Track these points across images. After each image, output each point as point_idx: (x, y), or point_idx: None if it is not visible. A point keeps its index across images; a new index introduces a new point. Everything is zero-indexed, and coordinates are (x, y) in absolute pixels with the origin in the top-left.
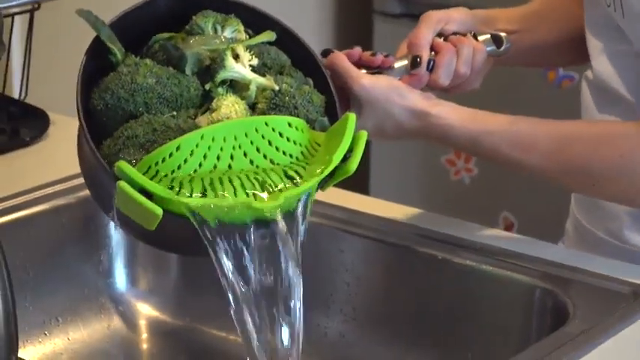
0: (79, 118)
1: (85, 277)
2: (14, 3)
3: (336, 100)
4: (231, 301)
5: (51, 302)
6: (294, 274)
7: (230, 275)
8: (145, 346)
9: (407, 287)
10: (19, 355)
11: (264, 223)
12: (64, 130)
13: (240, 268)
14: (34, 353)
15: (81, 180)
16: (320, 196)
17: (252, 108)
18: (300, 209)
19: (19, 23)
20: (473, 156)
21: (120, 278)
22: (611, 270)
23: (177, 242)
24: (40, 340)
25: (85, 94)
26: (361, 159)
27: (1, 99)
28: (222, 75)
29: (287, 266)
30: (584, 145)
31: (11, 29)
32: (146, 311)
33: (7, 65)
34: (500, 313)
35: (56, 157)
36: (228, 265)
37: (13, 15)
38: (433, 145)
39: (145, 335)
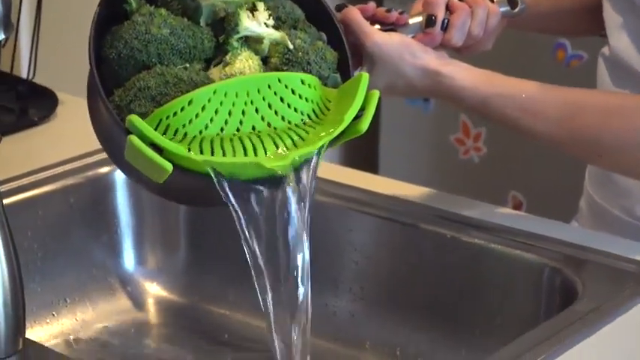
0: (92, 67)
1: (93, 257)
2: None
3: (349, 56)
4: (248, 256)
5: (59, 282)
6: (301, 229)
7: (245, 227)
8: (153, 325)
9: (415, 266)
10: (27, 335)
11: (276, 179)
12: (73, 110)
13: (253, 222)
14: (42, 334)
15: (89, 160)
16: (329, 174)
17: (265, 62)
18: (311, 166)
19: (28, 3)
20: (483, 117)
21: (128, 258)
22: (620, 248)
23: (186, 194)
24: (48, 320)
25: (98, 42)
26: (372, 120)
27: (9, 79)
28: (236, 35)
29: (296, 222)
30: (595, 115)
31: (19, 9)
32: (154, 291)
33: (15, 45)
34: (508, 292)
35: (64, 137)
36: (242, 218)
37: None
38: (442, 124)
39: (153, 315)
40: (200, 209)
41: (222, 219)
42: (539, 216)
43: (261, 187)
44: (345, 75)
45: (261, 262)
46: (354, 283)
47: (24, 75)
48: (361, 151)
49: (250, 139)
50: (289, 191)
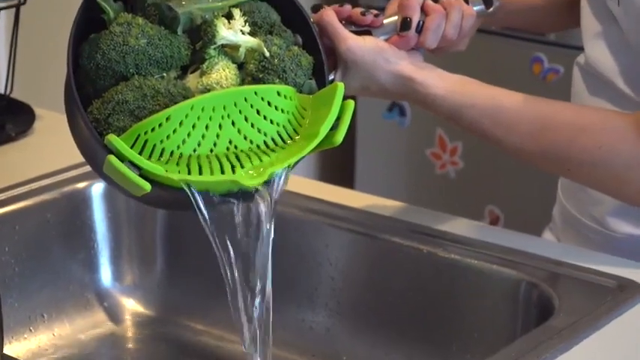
0: (70, 78)
1: (70, 273)
2: None
3: (325, 60)
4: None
5: (36, 298)
6: (267, 233)
7: (215, 235)
8: (130, 341)
9: (392, 281)
10: (5, 351)
11: (249, 192)
12: (50, 125)
13: (225, 232)
14: (19, 349)
15: (66, 175)
16: (305, 190)
17: (241, 66)
18: (281, 177)
19: (5, 18)
20: (455, 125)
21: (105, 274)
22: (597, 263)
23: (165, 203)
24: (26, 336)
25: (76, 49)
26: (347, 135)
27: None
28: (213, 46)
29: (263, 225)
30: (565, 132)
31: None
32: (131, 306)
33: None
34: (485, 307)
35: (42, 153)
36: (212, 228)
37: None
38: (418, 138)
39: (130, 330)
40: (176, 225)
41: (199, 235)
42: (516, 230)
43: (235, 200)
44: (321, 78)
45: (234, 271)
46: (330, 298)
47: (1, 90)
48: (337, 166)
49: (226, 155)
50: (260, 202)
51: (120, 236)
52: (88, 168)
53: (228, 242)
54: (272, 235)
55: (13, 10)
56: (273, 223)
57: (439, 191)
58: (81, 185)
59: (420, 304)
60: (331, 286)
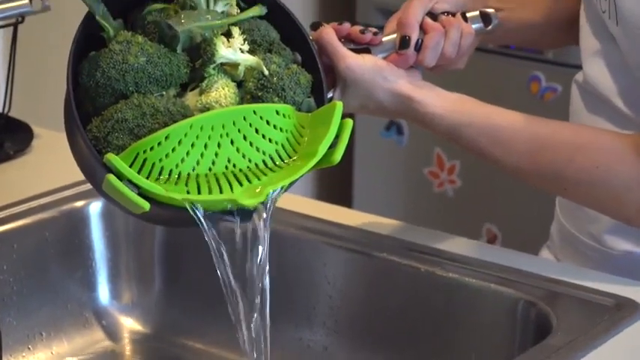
0: (71, 101)
1: (68, 292)
2: None
3: (323, 78)
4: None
5: (34, 317)
6: (263, 247)
7: (216, 250)
8: (128, 359)
9: (390, 300)
10: None
11: (247, 210)
12: (48, 143)
13: (225, 248)
14: None
15: (64, 194)
16: (303, 208)
17: (240, 85)
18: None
19: (3, 37)
20: (453, 144)
21: (103, 292)
22: (594, 282)
23: (163, 220)
24: (24, 354)
25: (76, 66)
26: (345, 153)
27: None
28: (212, 65)
29: (258, 241)
30: (562, 152)
31: None
32: (129, 325)
33: None
34: (483, 326)
35: (40, 171)
36: (217, 240)
37: None
38: (416, 157)
39: (128, 349)
40: (174, 244)
41: (197, 254)
42: (514, 248)
43: (233, 219)
44: (319, 96)
45: (233, 286)
46: (328, 316)
47: None
48: (335, 184)
49: (225, 174)
50: (257, 220)
51: (118, 255)
52: (86, 186)
53: (226, 257)
54: (267, 249)
55: (11, 28)
56: (268, 236)
57: (437, 210)
58: (79, 204)
59: (417, 322)
60: (329, 304)
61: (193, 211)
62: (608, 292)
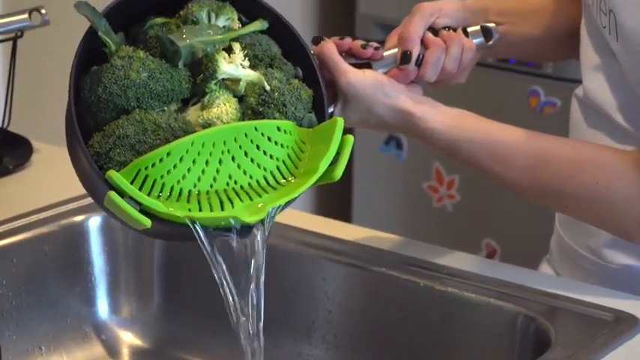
0: (72, 117)
1: (67, 306)
2: None
3: (324, 93)
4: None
5: (34, 331)
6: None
7: (217, 264)
8: None
9: (389, 315)
10: None
11: (247, 226)
12: (47, 158)
13: (225, 259)
14: None
15: (63, 208)
16: (302, 223)
17: (241, 99)
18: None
19: (2, 51)
20: (454, 159)
21: (102, 307)
22: (593, 296)
23: (164, 235)
24: None
25: (77, 80)
26: (345, 168)
27: None
28: (214, 80)
29: (257, 255)
30: (561, 168)
31: None
32: (128, 339)
33: None
34: (482, 340)
35: (39, 186)
36: (216, 257)
37: None
38: (415, 171)
39: None
40: (174, 258)
41: (196, 269)
42: (513, 263)
43: (233, 235)
44: (320, 110)
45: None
46: (327, 331)
47: None
48: (334, 199)
49: (226, 190)
50: (258, 235)
51: (117, 269)
52: (85, 201)
53: (227, 272)
54: (264, 263)
55: (10, 43)
56: (265, 250)
57: (436, 224)
58: (78, 218)
59: (416, 337)
60: (328, 319)
61: (194, 228)
62: (607, 307)
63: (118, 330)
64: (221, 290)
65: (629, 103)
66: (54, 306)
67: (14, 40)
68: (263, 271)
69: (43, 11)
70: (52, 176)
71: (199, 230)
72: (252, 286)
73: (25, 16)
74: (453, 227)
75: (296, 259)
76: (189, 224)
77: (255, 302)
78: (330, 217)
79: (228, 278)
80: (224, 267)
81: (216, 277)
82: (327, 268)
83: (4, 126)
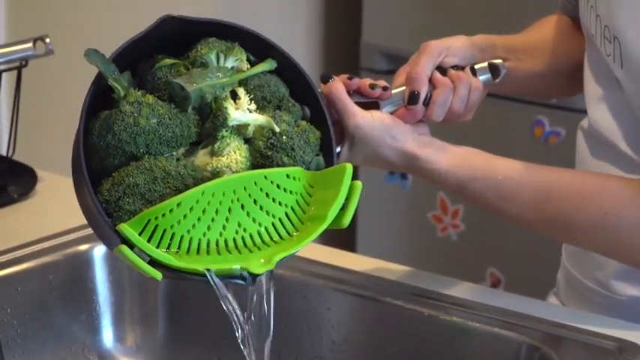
0: (81, 159)
1: (72, 334)
2: (1, 60)
3: (333, 135)
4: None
5: (39, 359)
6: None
7: (229, 304)
8: None
9: (394, 344)
10: None
11: (255, 275)
12: (52, 187)
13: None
14: None
15: (68, 237)
16: (307, 253)
17: (248, 141)
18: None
19: (7, 80)
20: (462, 199)
21: (107, 335)
22: (598, 325)
23: (170, 276)
24: None
25: (87, 124)
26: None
27: None
28: (225, 128)
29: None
30: (568, 200)
31: None
32: None
33: None
34: None
35: (43, 215)
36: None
37: (0, 72)
38: (420, 201)
39: None
40: (178, 288)
41: (201, 298)
42: (517, 293)
43: (242, 282)
44: (328, 150)
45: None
46: None
47: (3, 152)
48: (339, 229)
49: (235, 240)
50: (264, 280)
51: (122, 298)
52: (90, 230)
53: (238, 310)
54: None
55: (15, 72)
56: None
57: (440, 254)
58: (83, 247)
59: None
60: (332, 348)
61: (210, 276)
62: (611, 336)
63: (123, 359)
64: (234, 325)
65: (634, 132)
66: (58, 335)
67: (19, 69)
68: (272, 313)
69: (48, 40)
70: (56, 205)
71: (214, 278)
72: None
73: (30, 45)
74: (458, 257)
75: (300, 289)
76: (207, 274)
77: (265, 337)
78: (334, 246)
79: (239, 316)
80: (235, 307)
81: (227, 311)
82: (331, 297)
83: (9, 155)
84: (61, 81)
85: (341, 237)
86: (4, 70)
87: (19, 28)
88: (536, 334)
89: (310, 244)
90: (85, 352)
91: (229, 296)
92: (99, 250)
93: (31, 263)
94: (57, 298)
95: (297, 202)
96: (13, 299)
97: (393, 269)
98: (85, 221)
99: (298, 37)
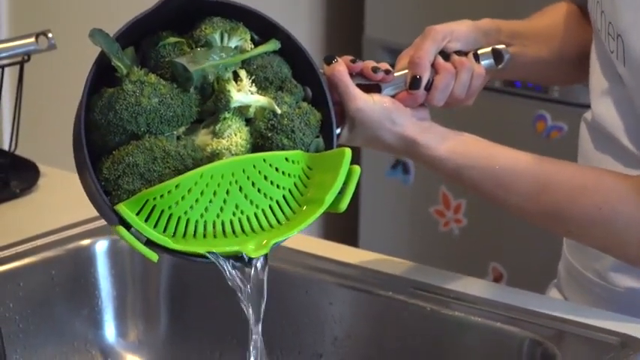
0: (82, 144)
1: (74, 329)
2: (4, 55)
3: (333, 118)
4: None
5: (41, 354)
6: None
7: (230, 275)
8: None
9: (396, 339)
10: None
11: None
12: (54, 182)
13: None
14: None
15: (70, 232)
16: (309, 248)
17: (249, 121)
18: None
19: (9, 75)
20: (459, 186)
21: (109, 330)
22: (600, 320)
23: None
24: None
25: (89, 99)
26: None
27: None
28: (227, 111)
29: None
30: (564, 193)
31: (1, 81)
32: None
33: None
34: None
35: (46, 209)
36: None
37: (2, 67)
38: (422, 196)
39: None
40: (181, 282)
41: (203, 292)
42: (520, 287)
43: (237, 263)
44: (328, 132)
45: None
46: (333, 355)
47: (5, 147)
48: (341, 223)
49: (232, 222)
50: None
51: (124, 293)
52: (92, 225)
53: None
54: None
55: (17, 67)
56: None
57: (443, 249)
58: (85, 242)
59: None
60: (335, 343)
61: (213, 256)
62: (613, 331)
63: (125, 354)
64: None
65: (636, 127)
66: (61, 330)
67: (21, 64)
68: (264, 296)
69: (50, 35)
70: (58, 200)
71: (220, 259)
72: (251, 311)
73: (32, 40)
74: (460, 251)
75: (302, 284)
76: (210, 257)
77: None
78: (336, 241)
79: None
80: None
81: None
82: (333, 292)
83: (11, 150)
84: (64, 76)
85: (343, 232)
86: (7, 65)
87: (21, 23)
88: (538, 328)
89: (312, 239)
90: (87, 347)
91: (234, 273)
92: (101, 245)
93: (34, 258)
94: (59, 293)
95: (295, 184)
96: (15, 294)
97: (395, 264)
98: (87, 216)
99: (300, 32)
